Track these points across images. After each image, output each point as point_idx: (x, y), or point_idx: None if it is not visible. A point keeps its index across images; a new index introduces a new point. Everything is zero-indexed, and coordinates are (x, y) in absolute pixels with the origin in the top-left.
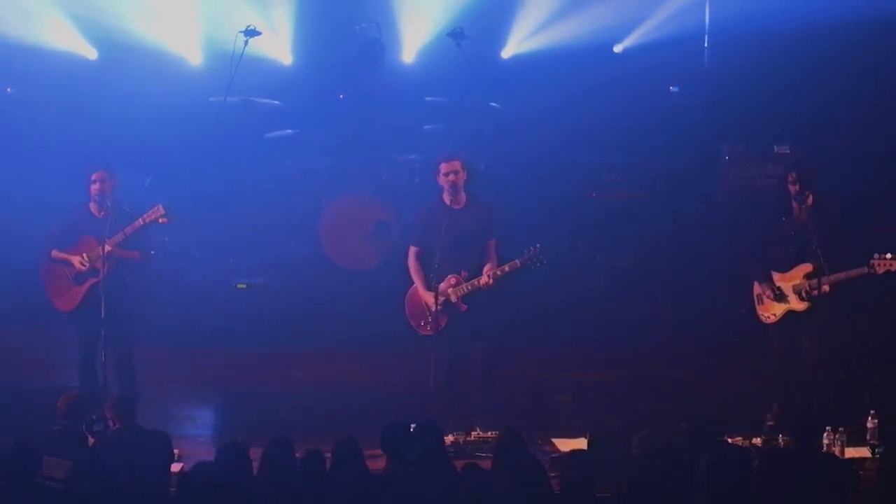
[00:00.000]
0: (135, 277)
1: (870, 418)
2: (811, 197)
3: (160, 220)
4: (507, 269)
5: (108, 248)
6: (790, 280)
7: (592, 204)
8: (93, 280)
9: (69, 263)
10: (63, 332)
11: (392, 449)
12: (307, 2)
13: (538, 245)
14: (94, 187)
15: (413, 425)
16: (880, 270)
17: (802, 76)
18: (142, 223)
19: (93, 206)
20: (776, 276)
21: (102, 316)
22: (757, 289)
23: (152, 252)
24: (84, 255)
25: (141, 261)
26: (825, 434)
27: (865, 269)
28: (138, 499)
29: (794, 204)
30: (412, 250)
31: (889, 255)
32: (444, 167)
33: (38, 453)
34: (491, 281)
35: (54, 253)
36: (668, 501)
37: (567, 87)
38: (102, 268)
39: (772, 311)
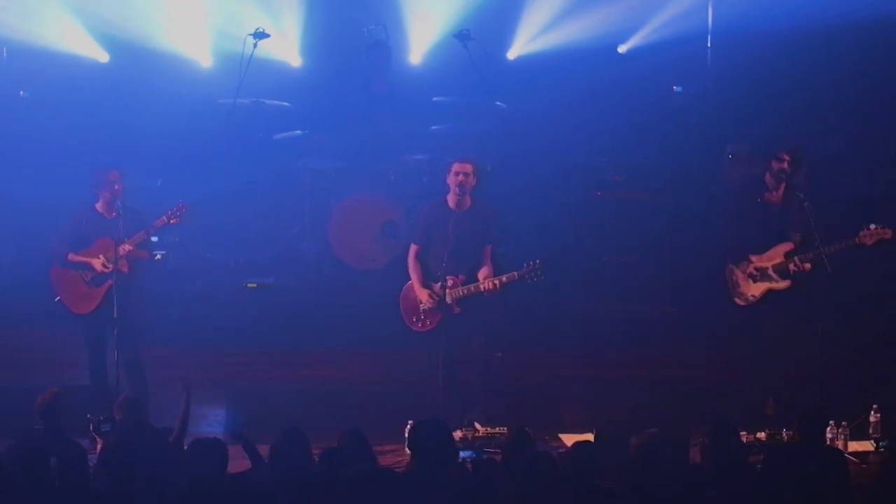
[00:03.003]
0: (144, 277)
1: (872, 412)
2: (784, 184)
3: (172, 221)
4: (504, 280)
5: (128, 247)
6: (769, 260)
7: (597, 203)
8: (111, 282)
9: (88, 266)
10: (72, 331)
11: (416, 448)
12: (315, 4)
13: (538, 260)
14: (116, 188)
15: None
16: (870, 241)
17: (805, 76)
18: (166, 220)
19: (100, 207)
20: (754, 258)
21: (115, 315)
22: (732, 272)
23: (157, 256)
24: (102, 256)
25: (149, 260)
26: (828, 428)
27: (855, 241)
28: (149, 496)
29: (770, 179)
30: (412, 248)
31: (874, 226)
32: (455, 167)
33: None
34: (492, 289)
35: (71, 256)
36: (672, 496)
37: (572, 88)
38: (124, 268)
39: (751, 293)
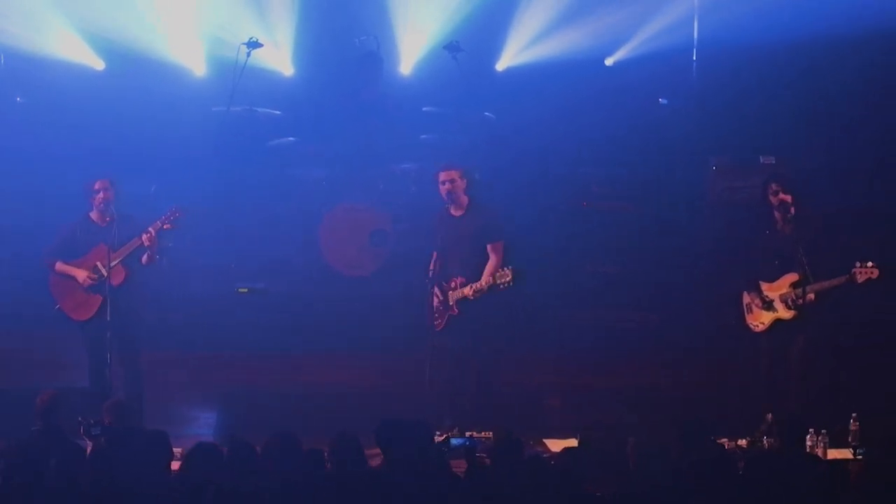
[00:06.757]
0: (142, 280)
1: (852, 421)
2: (793, 208)
3: (166, 226)
4: (476, 287)
5: (119, 257)
6: (777, 290)
7: (583, 213)
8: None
9: (73, 278)
10: (71, 334)
11: (386, 446)
12: (308, 15)
13: (510, 267)
14: (98, 196)
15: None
16: (861, 279)
17: (788, 89)
18: (161, 226)
19: (94, 215)
20: (764, 285)
21: (108, 319)
22: (746, 298)
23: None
24: (98, 264)
25: (148, 264)
26: (808, 436)
27: (846, 278)
28: (138, 497)
29: (777, 214)
30: (433, 255)
31: (870, 263)
32: (440, 176)
33: (43, 453)
34: (470, 294)
35: (58, 266)
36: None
37: (559, 99)
38: (116, 277)
39: (760, 320)
